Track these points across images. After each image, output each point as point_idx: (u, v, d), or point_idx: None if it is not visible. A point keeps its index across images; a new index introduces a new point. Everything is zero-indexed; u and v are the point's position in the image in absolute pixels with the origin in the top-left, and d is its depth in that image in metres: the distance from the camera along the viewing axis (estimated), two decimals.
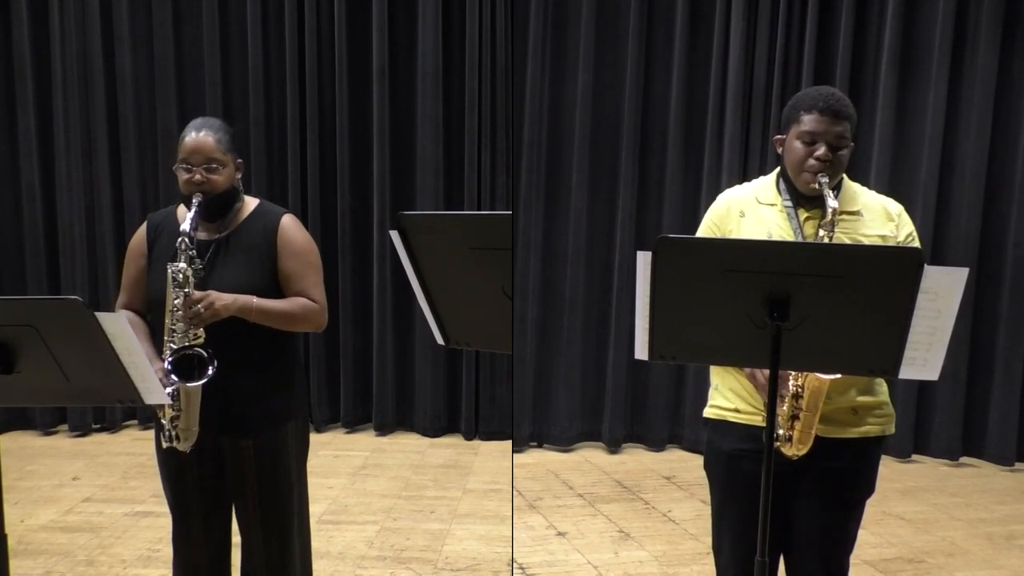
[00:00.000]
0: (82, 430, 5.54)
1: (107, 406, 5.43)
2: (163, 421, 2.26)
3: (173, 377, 2.19)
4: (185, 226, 2.24)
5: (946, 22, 5.08)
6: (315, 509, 4.17)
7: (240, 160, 2.42)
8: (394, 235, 1.93)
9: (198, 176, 2.30)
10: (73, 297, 1.85)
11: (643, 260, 1.73)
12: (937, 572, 3.70)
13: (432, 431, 5.62)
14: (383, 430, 5.63)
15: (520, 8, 5.27)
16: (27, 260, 5.53)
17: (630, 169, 5.31)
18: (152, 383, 1.92)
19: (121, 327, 1.83)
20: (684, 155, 5.32)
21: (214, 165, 2.32)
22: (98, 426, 5.62)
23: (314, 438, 5.40)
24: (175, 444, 2.26)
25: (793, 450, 2.07)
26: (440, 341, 2.07)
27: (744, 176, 4.98)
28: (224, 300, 2.24)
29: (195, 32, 5.55)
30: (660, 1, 5.31)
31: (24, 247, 5.53)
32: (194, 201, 2.28)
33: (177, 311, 2.21)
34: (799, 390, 2.03)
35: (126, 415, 5.70)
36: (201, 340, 2.23)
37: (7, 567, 1.95)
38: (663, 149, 5.34)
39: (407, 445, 5.46)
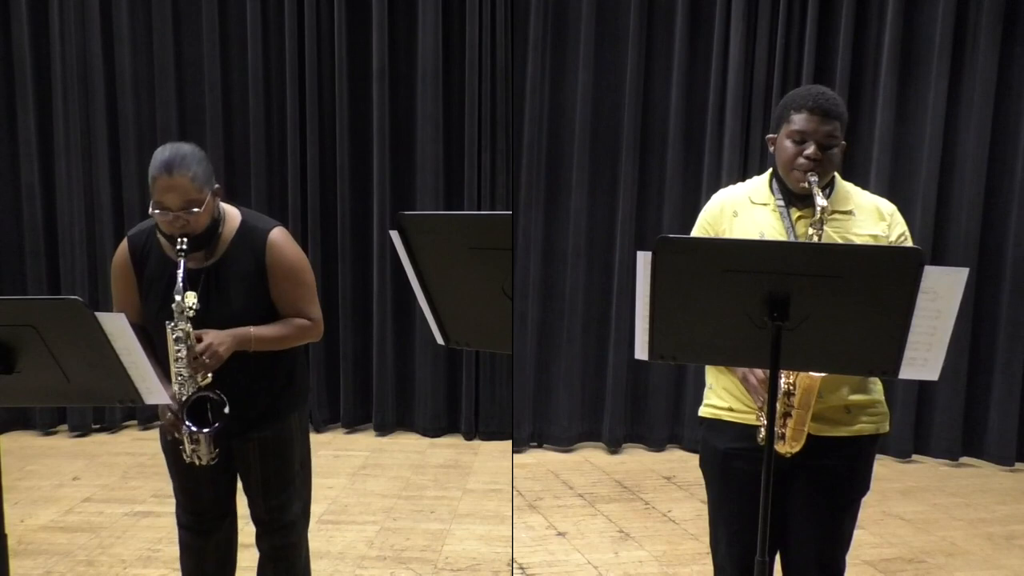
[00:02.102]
0: (82, 430, 5.54)
1: (107, 406, 5.43)
2: (184, 442, 2.28)
3: (189, 424, 2.20)
4: (179, 286, 2.18)
5: (946, 22, 5.08)
6: (315, 509, 4.16)
7: (217, 186, 2.30)
8: (394, 235, 1.93)
9: (178, 221, 2.20)
10: (73, 297, 1.86)
11: (643, 260, 1.73)
12: (937, 572, 3.70)
13: (432, 431, 5.62)
14: (383, 430, 5.63)
15: (520, 8, 5.26)
16: (27, 260, 5.52)
17: (630, 169, 5.31)
18: (152, 383, 1.93)
19: (121, 327, 1.84)
20: (684, 155, 5.32)
21: (194, 209, 2.20)
22: (98, 426, 5.61)
23: (314, 438, 5.38)
24: (195, 460, 2.29)
25: (786, 447, 2.08)
26: (440, 341, 2.07)
27: (744, 176, 4.98)
28: (225, 344, 2.24)
29: (195, 32, 5.55)
30: (660, 1, 5.31)
31: (24, 247, 5.52)
32: (178, 244, 2.19)
33: (181, 362, 2.20)
34: (791, 387, 2.04)
35: (126, 415, 5.70)
36: (209, 381, 2.24)
37: (7, 567, 1.95)
38: (663, 149, 5.34)
39: (407, 445, 5.45)
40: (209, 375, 2.23)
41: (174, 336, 2.20)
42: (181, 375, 2.21)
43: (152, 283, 2.34)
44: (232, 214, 2.38)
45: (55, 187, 5.51)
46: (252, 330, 2.29)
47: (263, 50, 5.49)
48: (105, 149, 5.51)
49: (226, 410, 2.21)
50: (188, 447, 2.27)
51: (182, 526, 2.55)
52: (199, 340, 2.21)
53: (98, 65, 5.44)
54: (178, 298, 2.19)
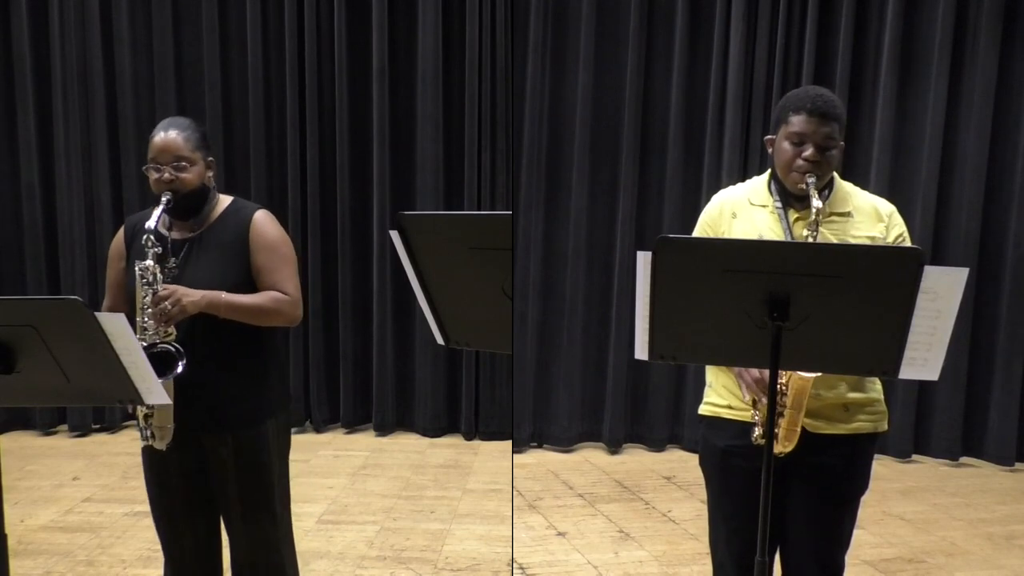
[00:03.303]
0: (82, 430, 5.54)
1: (107, 406, 5.43)
2: (138, 420, 2.26)
3: None
4: (150, 223, 2.23)
5: (946, 22, 5.08)
6: (315, 509, 4.21)
7: (211, 159, 2.41)
8: (394, 235, 1.93)
9: (167, 175, 2.30)
10: (73, 297, 1.86)
11: (643, 260, 1.73)
12: (937, 572, 3.70)
13: (432, 431, 5.62)
14: (383, 430, 5.63)
15: (520, 8, 5.27)
16: (27, 260, 5.53)
17: (630, 169, 5.31)
18: (152, 383, 1.92)
19: (121, 327, 1.83)
20: (684, 155, 5.33)
21: (183, 163, 2.31)
22: (98, 426, 5.62)
23: (314, 438, 5.51)
24: (152, 443, 2.26)
25: (779, 447, 2.08)
26: (440, 341, 2.07)
27: (744, 176, 4.98)
28: (192, 296, 2.23)
29: (195, 32, 5.55)
30: (660, 1, 5.31)
31: (24, 247, 5.53)
32: (163, 199, 2.28)
33: (147, 308, 2.21)
34: (783, 388, 2.04)
35: (126, 415, 5.64)
36: (172, 336, 2.23)
37: (7, 567, 1.95)
38: (663, 149, 5.34)
39: (407, 445, 5.46)
40: (173, 330, 2.22)
41: (142, 277, 2.21)
42: (145, 326, 2.20)
43: (138, 255, 2.34)
44: (225, 197, 2.47)
45: (55, 187, 5.51)
46: (223, 294, 2.28)
47: (263, 50, 5.50)
48: (105, 149, 5.51)
49: (183, 362, 2.19)
50: (142, 418, 2.22)
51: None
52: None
53: (98, 65, 5.45)
54: (149, 236, 2.22)
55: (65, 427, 5.56)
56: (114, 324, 1.82)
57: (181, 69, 5.58)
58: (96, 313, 1.81)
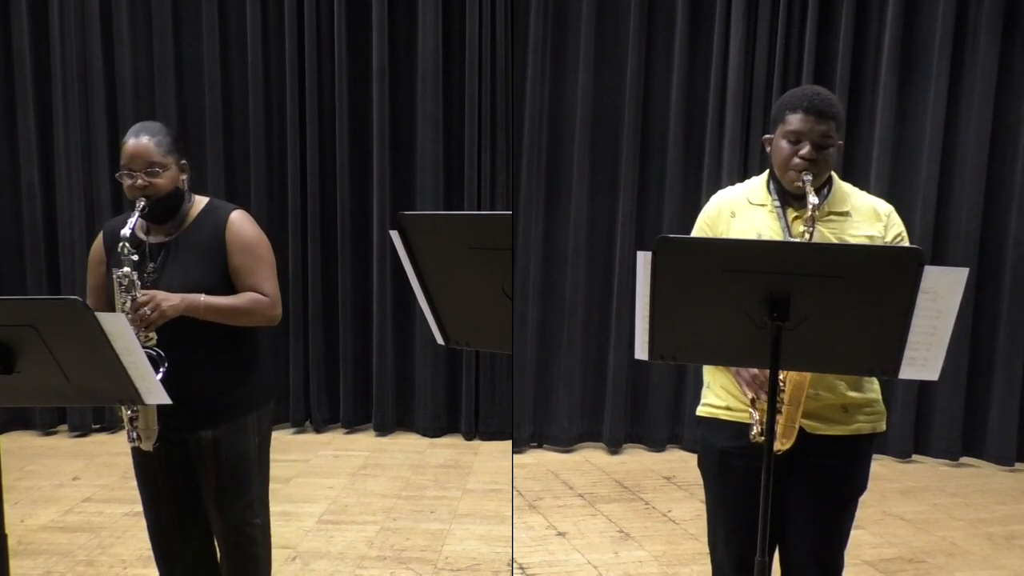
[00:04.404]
0: (82, 430, 5.54)
1: (107, 406, 5.43)
2: (124, 421, 2.29)
3: None
4: (125, 231, 2.25)
5: (946, 22, 5.08)
6: (315, 509, 4.21)
7: (184, 161, 2.41)
8: (394, 235, 1.93)
9: (139, 181, 2.31)
10: (73, 297, 1.86)
11: (643, 260, 1.73)
12: (937, 572, 3.69)
13: (432, 431, 5.62)
14: (383, 430, 5.63)
15: (520, 8, 5.27)
16: (27, 260, 5.53)
17: (630, 169, 5.31)
18: (152, 383, 1.92)
19: (121, 327, 1.84)
20: (684, 155, 5.33)
21: (155, 169, 2.32)
22: (98, 426, 5.62)
23: (314, 438, 5.52)
24: (138, 444, 2.31)
25: (777, 444, 2.08)
26: (440, 341, 2.07)
27: (744, 176, 4.98)
28: (171, 301, 2.25)
29: (195, 32, 5.55)
30: (660, 1, 5.31)
31: (24, 247, 5.53)
32: (137, 205, 2.29)
33: (127, 314, 2.20)
34: (780, 384, 2.04)
35: None
36: (153, 341, 2.24)
37: (7, 567, 1.95)
38: (663, 149, 5.34)
39: (407, 445, 5.46)
40: (153, 335, 2.24)
41: (120, 284, 2.23)
42: None
43: (117, 262, 2.35)
44: (200, 198, 2.48)
45: (55, 187, 5.51)
46: (203, 297, 2.30)
47: (263, 50, 5.50)
48: (105, 149, 5.51)
49: (164, 367, 2.21)
50: (127, 421, 2.25)
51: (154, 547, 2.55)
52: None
53: (98, 65, 5.45)
54: (124, 244, 2.23)
55: (65, 427, 5.56)
56: (114, 324, 1.83)
57: (181, 69, 5.58)
58: (96, 313, 1.81)
